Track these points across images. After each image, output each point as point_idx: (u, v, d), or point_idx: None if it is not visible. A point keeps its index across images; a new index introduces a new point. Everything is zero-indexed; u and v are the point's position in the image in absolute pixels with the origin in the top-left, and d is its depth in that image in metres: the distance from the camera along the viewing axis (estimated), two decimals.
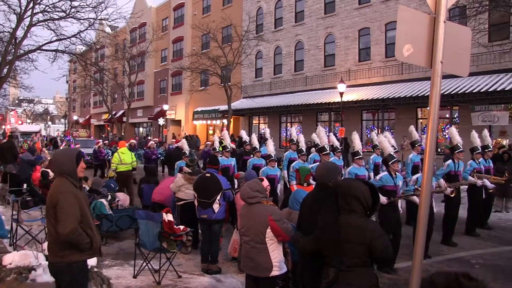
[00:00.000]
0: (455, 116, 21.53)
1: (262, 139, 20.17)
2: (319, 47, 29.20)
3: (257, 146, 13.29)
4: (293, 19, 31.26)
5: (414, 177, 8.82)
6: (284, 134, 30.60)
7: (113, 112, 48.12)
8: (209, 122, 39.30)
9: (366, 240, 3.53)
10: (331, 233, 3.69)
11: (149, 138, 37.55)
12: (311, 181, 7.74)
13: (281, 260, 4.89)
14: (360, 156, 9.51)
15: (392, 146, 10.48)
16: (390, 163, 7.85)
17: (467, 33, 3.71)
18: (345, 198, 3.71)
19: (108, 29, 36.11)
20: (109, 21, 20.82)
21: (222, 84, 29.06)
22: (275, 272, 4.83)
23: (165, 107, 41.45)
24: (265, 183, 5.17)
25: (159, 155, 20.21)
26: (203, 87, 37.62)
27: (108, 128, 58.44)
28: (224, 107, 31.84)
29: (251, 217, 4.96)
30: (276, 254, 4.85)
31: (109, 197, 10.18)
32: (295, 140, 13.59)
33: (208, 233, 7.49)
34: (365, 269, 3.63)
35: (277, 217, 4.82)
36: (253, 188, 5.03)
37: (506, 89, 17.93)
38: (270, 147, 11.70)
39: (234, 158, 13.57)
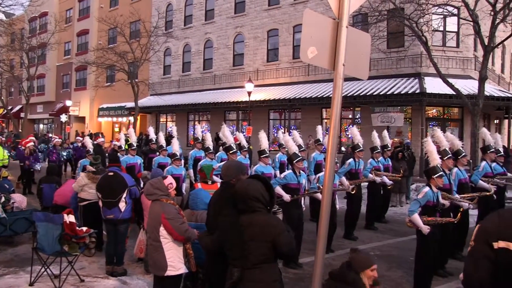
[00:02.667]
0: (357, 116, 22.67)
1: (170, 137, 19.89)
2: (228, 46, 29.35)
3: (164, 145, 13.09)
4: (203, 17, 31.13)
5: (318, 175, 9.15)
6: (192, 132, 30.43)
7: (9, 107, 44.86)
8: (115, 119, 38.06)
9: (270, 237, 3.57)
10: (233, 234, 3.71)
11: (50, 135, 35.51)
12: (216, 178, 7.75)
13: (179, 260, 4.85)
14: (267, 154, 9.68)
15: (299, 145, 10.81)
16: (294, 161, 8.06)
17: (367, 38, 3.89)
18: (245, 201, 3.71)
19: (1, 16, 33.62)
20: (3, 7, 19.26)
21: (129, 81, 28.29)
22: (170, 272, 4.78)
23: (68, 103, 39.42)
24: (168, 180, 5.09)
25: (63, 156, 19.17)
26: (109, 83, 36.27)
27: (3, 124, 54.37)
28: (131, 104, 30.97)
29: (150, 214, 4.96)
30: (171, 253, 4.81)
31: (3, 199, 9.44)
32: (200, 139, 13.57)
33: (114, 233, 7.22)
34: (269, 265, 3.68)
35: (170, 216, 4.78)
36: (154, 186, 4.99)
37: (402, 92, 19.27)
38: (175, 146, 11.58)
39: (140, 157, 13.27)
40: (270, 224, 3.63)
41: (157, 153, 13.19)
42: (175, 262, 4.82)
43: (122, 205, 7.11)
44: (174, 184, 5.19)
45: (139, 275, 7.23)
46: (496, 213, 2.65)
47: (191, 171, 12.84)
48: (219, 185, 7.05)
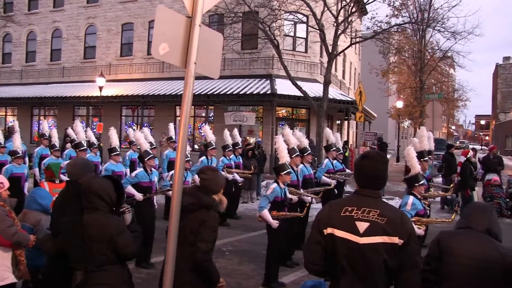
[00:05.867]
0: (211, 115, 23.03)
1: (10, 133, 18.16)
2: (79, 37, 27.81)
3: (2, 141, 11.91)
4: (51, 4, 29.05)
5: (170, 173, 9.11)
6: (36, 128, 28.22)
7: None
8: None
9: (108, 237, 3.49)
10: (75, 235, 3.54)
11: None
12: (63, 177, 7.28)
13: (4, 269, 4.41)
14: (118, 152, 9.37)
15: (150, 142, 10.62)
16: (146, 159, 7.93)
17: (219, 38, 3.94)
18: (87, 197, 3.58)
19: None
20: None
21: None
22: None
23: None
24: None
25: None
26: None
27: None
28: None
29: None
30: None
31: None
32: (47, 135, 12.68)
33: None
34: (115, 267, 3.58)
35: None
36: None
37: (254, 92, 20.08)
38: (17, 142, 10.61)
39: None
40: (109, 225, 3.54)
41: None
42: (1, 272, 4.38)
43: None
44: (6, 184, 4.72)
45: None
46: (328, 203, 3.05)
47: (36, 170, 11.90)
48: None
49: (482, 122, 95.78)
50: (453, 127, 79.37)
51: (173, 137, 12.24)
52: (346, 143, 21.61)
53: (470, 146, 38.64)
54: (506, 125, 50.55)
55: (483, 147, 59.48)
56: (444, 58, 32.07)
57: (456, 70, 41.99)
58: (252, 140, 19.78)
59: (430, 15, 27.26)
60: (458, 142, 71.84)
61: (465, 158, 12.85)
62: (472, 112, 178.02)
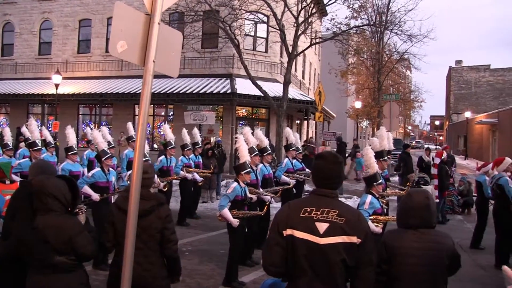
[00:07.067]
0: (170, 114, 22.81)
1: None
2: (34, 32, 26.96)
3: None
4: None
5: (128, 172, 8.96)
6: None
7: None
8: None
9: (66, 238, 3.40)
10: (29, 237, 3.42)
11: None
12: (15, 177, 7.06)
13: None
14: (75, 151, 9.14)
15: (108, 141, 10.42)
16: (103, 159, 7.79)
17: (179, 36, 3.91)
18: (40, 198, 3.47)
19: None
20: None
21: None
22: None
23: None
24: None
25: None
26: None
27: None
28: None
29: None
30: None
31: None
32: None
33: None
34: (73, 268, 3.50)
35: None
36: None
37: (214, 92, 20.03)
38: None
39: None
40: (66, 225, 3.45)
41: None
42: None
43: None
44: None
45: None
46: (287, 204, 3.06)
47: None
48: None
49: (437, 122, 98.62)
50: (410, 127, 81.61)
51: (134, 136, 12.05)
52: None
53: (425, 146, 39.91)
54: (458, 126, 52.27)
55: (437, 146, 61.37)
56: (401, 60, 32.89)
57: (412, 72, 43.08)
58: (212, 139, 19.70)
59: (388, 18, 27.92)
60: (414, 142, 74.09)
61: (440, 160, 12.78)
62: (428, 113, 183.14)
